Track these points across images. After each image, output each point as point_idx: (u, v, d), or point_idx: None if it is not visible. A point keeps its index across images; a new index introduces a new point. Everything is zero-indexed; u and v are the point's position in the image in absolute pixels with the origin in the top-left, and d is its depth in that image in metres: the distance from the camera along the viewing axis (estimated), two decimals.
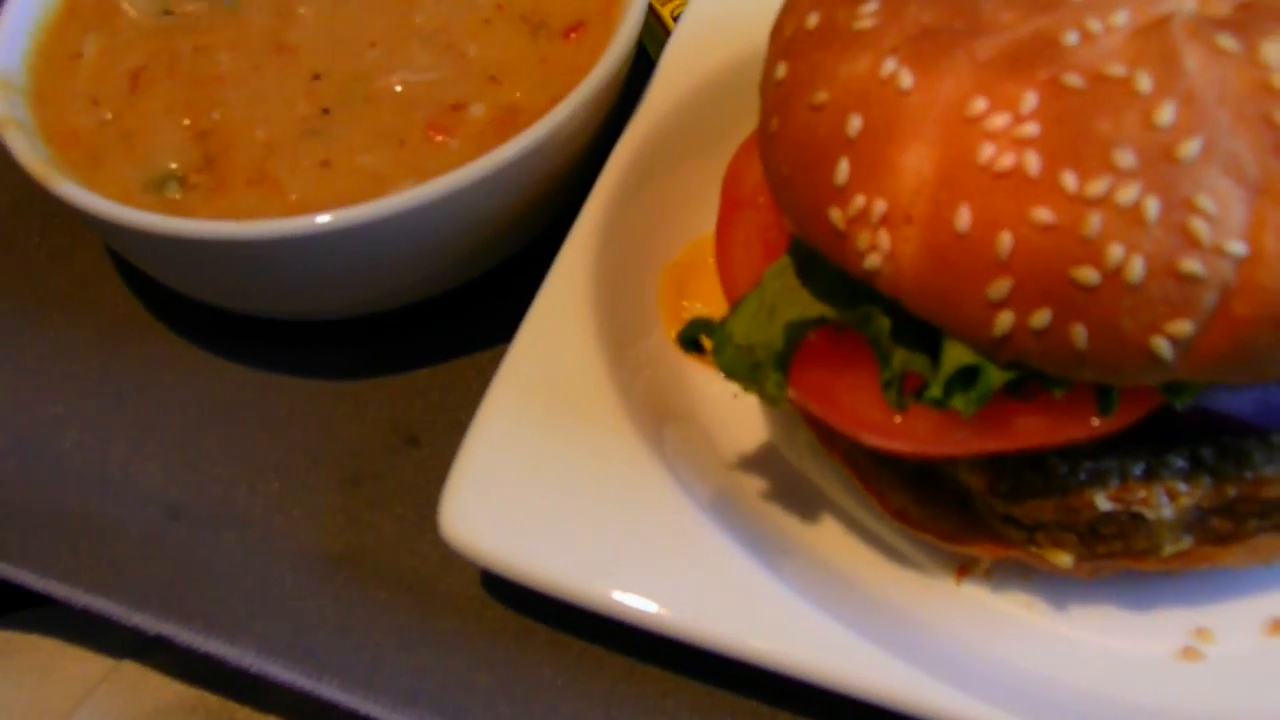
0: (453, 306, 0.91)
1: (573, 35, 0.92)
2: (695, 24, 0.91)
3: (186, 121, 0.89)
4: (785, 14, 0.71)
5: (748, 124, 0.82)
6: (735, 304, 0.70)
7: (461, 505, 0.72)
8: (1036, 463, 0.67)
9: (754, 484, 0.78)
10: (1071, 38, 0.60)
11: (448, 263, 0.87)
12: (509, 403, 0.75)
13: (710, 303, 0.82)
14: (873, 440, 0.67)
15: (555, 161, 0.85)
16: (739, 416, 0.81)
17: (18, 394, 0.90)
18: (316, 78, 0.91)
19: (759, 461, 0.79)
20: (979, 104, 0.60)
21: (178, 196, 0.86)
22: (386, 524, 0.81)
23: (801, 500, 0.77)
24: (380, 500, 0.82)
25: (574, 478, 0.73)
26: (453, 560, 0.75)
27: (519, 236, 0.89)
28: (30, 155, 0.85)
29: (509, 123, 0.87)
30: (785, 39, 0.69)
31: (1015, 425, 0.63)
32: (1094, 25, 0.60)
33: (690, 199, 0.86)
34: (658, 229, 0.85)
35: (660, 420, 0.79)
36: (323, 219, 0.78)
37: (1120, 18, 0.60)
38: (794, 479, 0.78)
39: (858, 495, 0.76)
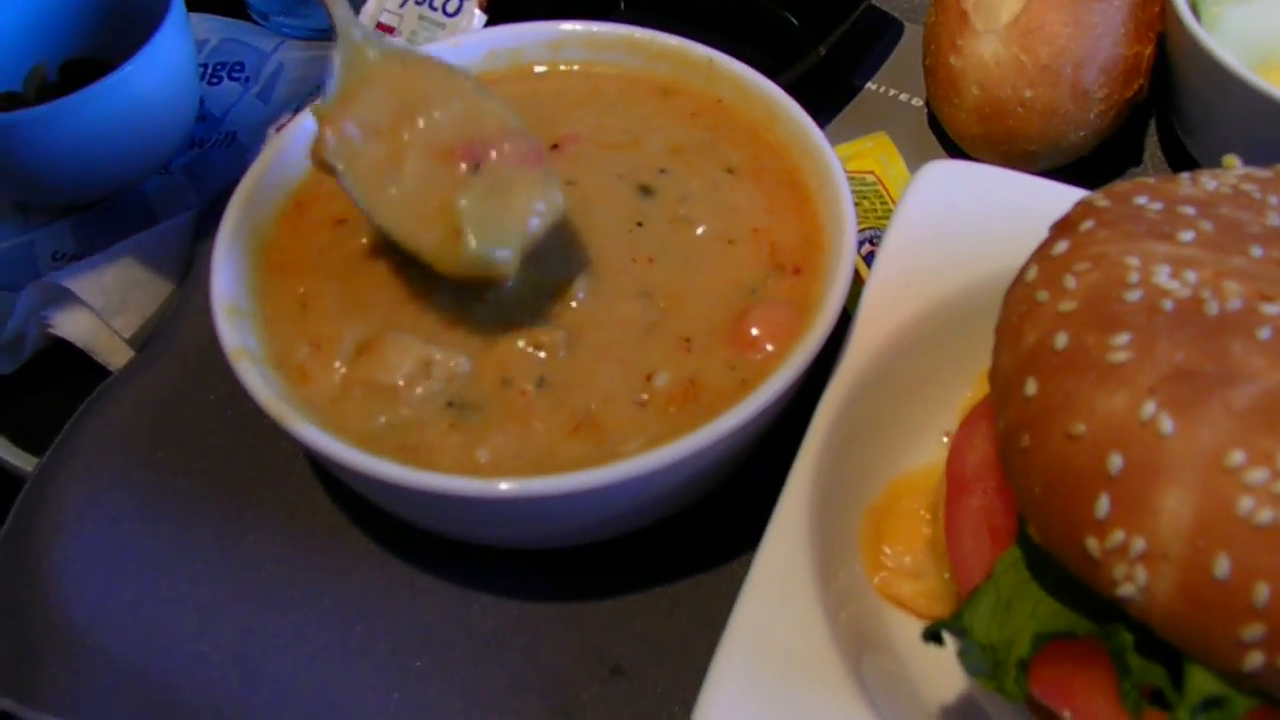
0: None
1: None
2: (888, 271, 0.94)
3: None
4: (1024, 320, 0.74)
5: (946, 370, 0.88)
6: (969, 595, 0.74)
7: None
8: None
9: None
10: None
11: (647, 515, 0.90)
12: (739, 658, 0.78)
13: (907, 546, 0.87)
14: None
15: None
16: (937, 654, 0.84)
17: (224, 608, 0.91)
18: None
19: (958, 706, 0.83)
20: (1237, 456, 0.64)
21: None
22: None
23: None
24: None
25: None
26: None
27: (714, 484, 0.92)
28: (264, 391, 0.82)
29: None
30: (1028, 349, 0.73)
31: None
32: None
33: (888, 440, 0.90)
34: (860, 472, 0.89)
35: (860, 652, 0.82)
36: (506, 486, 0.79)
37: None
38: None
39: None
